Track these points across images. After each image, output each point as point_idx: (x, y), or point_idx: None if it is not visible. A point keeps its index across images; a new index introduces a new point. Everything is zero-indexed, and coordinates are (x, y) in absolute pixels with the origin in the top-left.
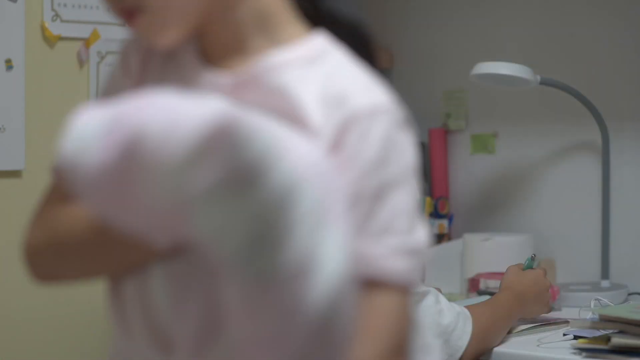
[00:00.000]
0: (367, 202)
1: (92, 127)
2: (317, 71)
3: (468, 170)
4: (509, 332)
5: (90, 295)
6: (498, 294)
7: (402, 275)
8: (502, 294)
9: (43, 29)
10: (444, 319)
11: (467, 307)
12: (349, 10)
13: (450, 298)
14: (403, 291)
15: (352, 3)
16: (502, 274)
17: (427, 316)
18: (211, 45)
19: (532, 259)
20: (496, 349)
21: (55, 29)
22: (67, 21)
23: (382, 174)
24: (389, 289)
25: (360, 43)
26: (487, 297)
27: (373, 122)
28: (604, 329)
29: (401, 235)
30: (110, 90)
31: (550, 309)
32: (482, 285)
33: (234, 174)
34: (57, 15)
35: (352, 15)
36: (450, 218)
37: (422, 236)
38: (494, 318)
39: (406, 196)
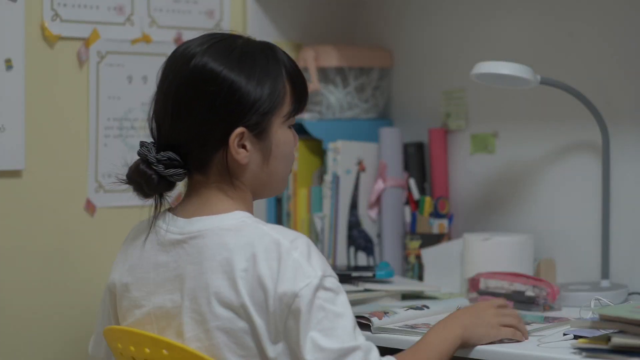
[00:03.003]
0: None
1: None
2: None
3: (468, 170)
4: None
5: (89, 295)
6: (427, 333)
7: None
8: (430, 331)
9: (43, 28)
10: None
11: (397, 355)
12: None
13: (450, 298)
14: None
15: (352, 4)
16: (502, 273)
17: None
18: None
19: None
20: (496, 349)
21: (55, 28)
22: (67, 21)
23: None
24: None
25: None
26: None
27: None
28: (604, 328)
29: None
30: None
31: (504, 334)
32: (482, 285)
33: None
34: (57, 15)
35: None
36: (450, 218)
37: None
38: None
39: None
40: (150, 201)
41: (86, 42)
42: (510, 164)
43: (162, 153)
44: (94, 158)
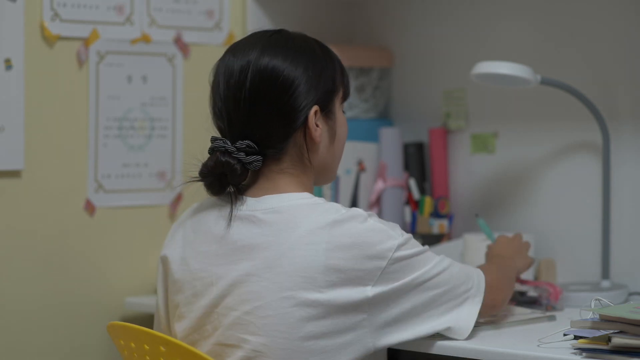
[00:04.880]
0: None
1: None
2: None
3: (468, 170)
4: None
5: (89, 295)
6: (490, 261)
7: None
8: (493, 260)
9: (42, 28)
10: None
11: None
12: None
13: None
14: None
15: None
16: None
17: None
18: None
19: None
20: (495, 349)
21: (54, 28)
22: (67, 21)
23: None
24: None
25: None
26: None
27: None
28: (604, 329)
29: None
30: None
31: (532, 261)
32: None
33: None
34: (56, 14)
35: None
36: (450, 218)
37: None
38: (499, 276)
39: None
40: (153, 201)
41: (86, 42)
42: (510, 164)
43: (238, 142)
44: (93, 158)
